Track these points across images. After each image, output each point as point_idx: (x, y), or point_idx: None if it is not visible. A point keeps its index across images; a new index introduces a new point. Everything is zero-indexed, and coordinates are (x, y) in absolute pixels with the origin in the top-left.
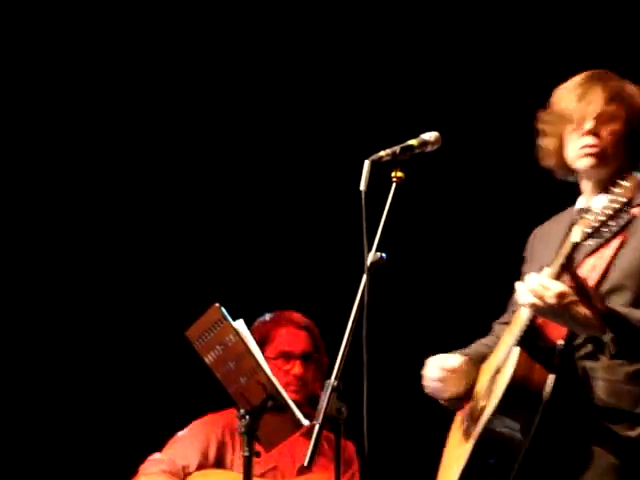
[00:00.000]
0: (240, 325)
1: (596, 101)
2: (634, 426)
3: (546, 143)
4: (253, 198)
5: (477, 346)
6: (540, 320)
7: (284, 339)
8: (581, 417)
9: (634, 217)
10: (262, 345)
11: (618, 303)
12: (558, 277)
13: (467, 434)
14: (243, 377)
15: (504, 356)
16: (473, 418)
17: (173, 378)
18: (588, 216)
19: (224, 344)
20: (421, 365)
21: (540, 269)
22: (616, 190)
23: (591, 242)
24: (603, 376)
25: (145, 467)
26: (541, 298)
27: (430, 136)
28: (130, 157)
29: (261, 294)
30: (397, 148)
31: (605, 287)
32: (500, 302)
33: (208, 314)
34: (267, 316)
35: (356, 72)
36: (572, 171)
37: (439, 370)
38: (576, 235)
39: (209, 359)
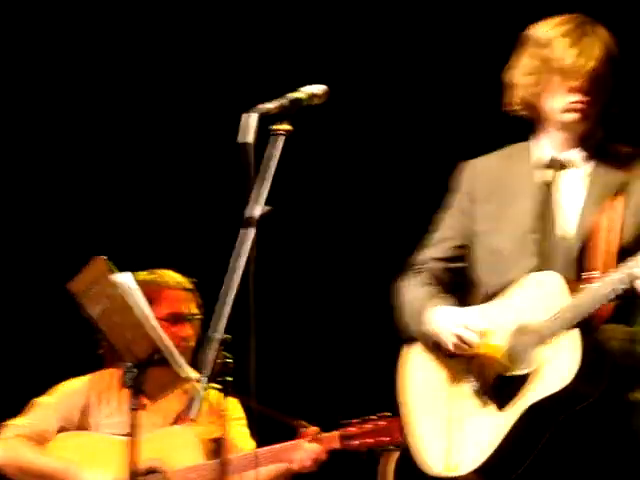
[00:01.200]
0: (127, 278)
1: (594, 58)
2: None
3: (525, 83)
4: (138, 151)
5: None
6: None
7: (172, 301)
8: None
9: (632, 177)
10: (149, 305)
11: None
12: None
13: (485, 397)
14: (129, 331)
15: (548, 330)
16: (486, 379)
17: (50, 335)
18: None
19: (110, 297)
20: (308, 318)
21: (503, 204)
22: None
23: (599, 198)
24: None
25: (2, 432)
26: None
27: (318, 89)
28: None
29: (146, 248)
30: (285, 100)
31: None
32: (384, 248)
33: (93, 266)
34: (151, 275)
35: (237, 29)
36: (538, 112)
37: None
38: None
39: (94, 312)
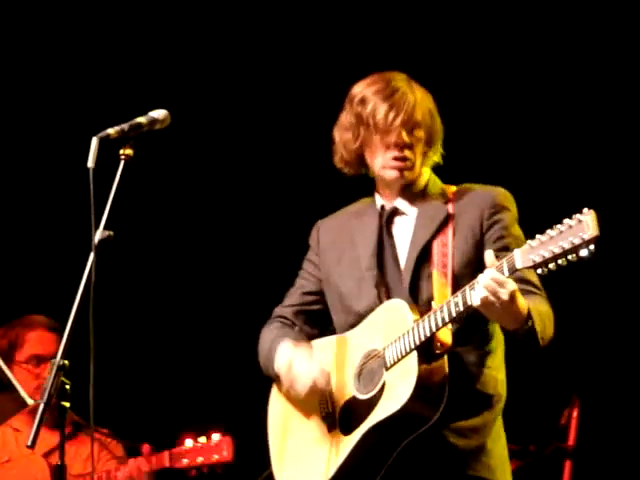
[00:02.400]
0: None
1: (405, 113)
2: (489, 407)
3: (347, 142)
4: None
5: (297, 336)
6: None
7: (34, 343)
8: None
9: (450, 212)
10: (12, 349)
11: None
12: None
13: (334, 423)
14: None
15: (392, 354)
16: (335, 405)
17: None
18: (532, 242)
19: None
20: (149, 344)
21: (343, 251)
22: (572, 222)
23: (427, 230)
24: (465, 362)
25: None
26: (496, 294)
27: (159, 114)
28: None
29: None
30: (125, 125)
31: (454, 273)
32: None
33: None
34: (16, 321)
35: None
36: (365, 167)
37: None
38: (518, 258)
39: None
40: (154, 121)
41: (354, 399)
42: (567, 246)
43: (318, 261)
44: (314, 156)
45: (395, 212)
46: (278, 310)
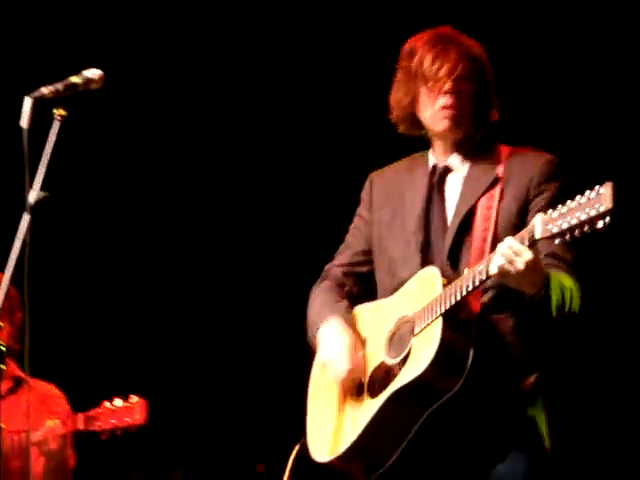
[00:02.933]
0: None
1: (451, 61)
2: (528, 374)
3: (400, 98)
4: None
5: (344, 305)
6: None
7: None
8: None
9: (500, 174)
10: None
11: None
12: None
13: (363, 388)
14: None
15: (419, 318)
16: (366, 370)
17: None
18: (552, 213)
19: None
20: (90, 301)
21: (395, 210)
22: (591, 195)
23: (474, 193)
24: (501, 329)
25: None
26: (512, 263)
27: (93, 74)
28: None
29: None
30: (60, 85)
31: (495, 238)
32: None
33: None
34: None
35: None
36: (421, 127)
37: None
38: (538, 225)
39: None
40: (89, 81)
41: (383, 364)
42: (584, 217)
43: (370, 218)
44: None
45: (447, 170)
46: (329, 268)
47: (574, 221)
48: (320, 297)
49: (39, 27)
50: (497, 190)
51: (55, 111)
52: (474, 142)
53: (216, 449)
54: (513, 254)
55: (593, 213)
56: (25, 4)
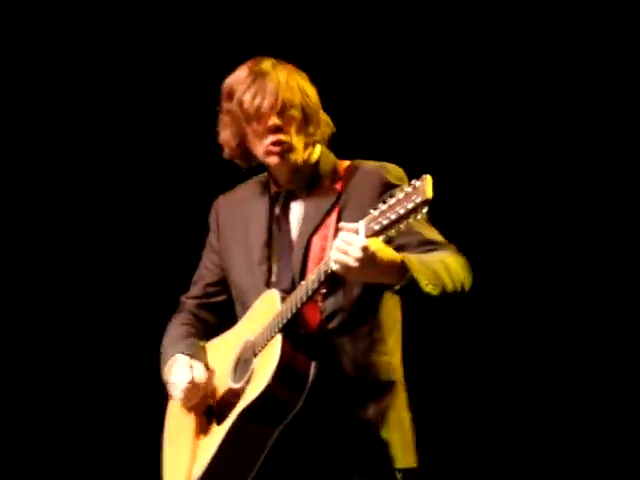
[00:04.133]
0: None
1: (271, 94)
2: (381, 395)
3: (228, 139)
4: None
5: (191, 341)
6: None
7: None
8: (337, 393)
9: (340, 192)
10: None
11: None
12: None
13: (213, 414)
14: None
15: (260, 340)
16: (214, 397)
17: None
18: (374, 212)
19: None
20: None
21: (239, 239)
22: (408, 189)
23: (314, 219)
24: (349, 350)
25: None
26: (347, 252)
27: None
28: None
29: None
30: None
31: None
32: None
33: None
34: None
35: None
36: (256, 158)
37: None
38: (362, 230)
39: None
40: None
41: (230, 389)
42: (402, 212)
43: (218, 247)
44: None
45: (290, 196)
46: (184, 300)
47: (394, 216)
48: (169, 335)
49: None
50: (337, 209)
51: None
52: (309, 165)
53: None
54: (346, 244)
55: (411, 206)
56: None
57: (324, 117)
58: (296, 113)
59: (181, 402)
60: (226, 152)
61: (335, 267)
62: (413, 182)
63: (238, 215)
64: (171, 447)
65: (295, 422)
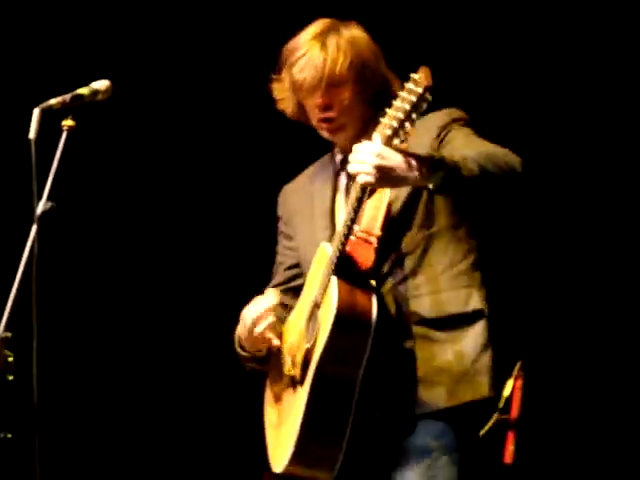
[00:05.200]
0: None
1: (318, 70)
2: (470, 324)
3: (285, 106)
4: None
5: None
6: (348, 249)
7: None
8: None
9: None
10: None
11: None
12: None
13: (296, 382)
14: None
15: (320, 291)
16: (296, 364)
17: None
18: (384, 120)
19: None
20: (92, 316)
21: (307, 214)
22: (409, 85)
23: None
24: (427, 290)
25: None
26: (362, 162)
27: (101, 85)
28: None
29: None
30: (67, 96)
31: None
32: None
33: None
34: None
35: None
36: None
37: (258, 310)
38: (377, 139)
39: None
40: (96, 92)
41: (306, 351)
42: (408, 107)
43: (288, 231)
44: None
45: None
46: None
47: (401, 114)
48: None
49: (49, 39)
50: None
51: (63, 122)
52: (374, 127)
53: (222, 457)
54: (361, 154)
55: (414, 98)
56: (33, 18)
57: (388, 80)
58: (346, 89)
59: (247, 335)
60: (288, 115)
61: (359, 180)
62: (411, 75)
63: (304, 195)
64: (269, 418)
65: (369, 364)
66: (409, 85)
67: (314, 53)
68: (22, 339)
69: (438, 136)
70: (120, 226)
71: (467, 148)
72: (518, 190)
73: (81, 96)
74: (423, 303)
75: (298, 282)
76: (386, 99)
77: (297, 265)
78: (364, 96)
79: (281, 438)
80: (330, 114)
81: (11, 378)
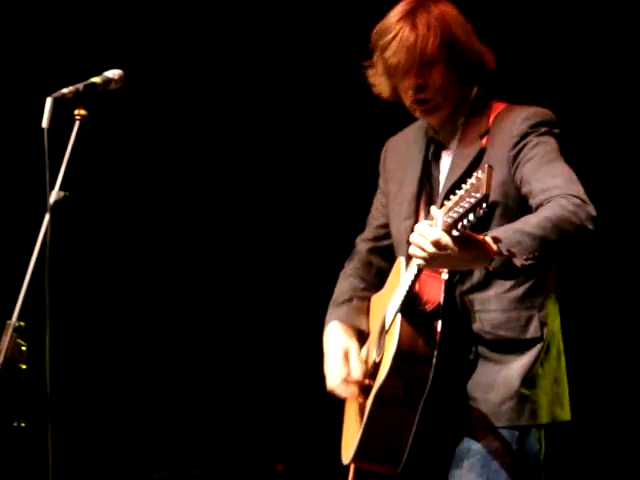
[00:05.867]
0: None
1: (409, 51)
2: (524, 351)
3: (380, 92)
4: None
5: (353, 306)
6: (417, 287)
7: None
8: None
9: (484, 147)
10: None
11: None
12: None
13: (367, 388)
14: None
15: (389, 315)
16: (367, 372)
17: None
18: (448, 203)
19: None
20: (104, 305)
21: (398, 186)
22: (472, 181)
23: (457, 175)
24: (493, 306)
25: None
26: (421, 247)
27: (114, 74)
28: None
29: None
30: (80, 85)
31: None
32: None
33: None
34: None
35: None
36: None
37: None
38: (439, 221)
39: None
40: (109, 81)
41: (374, 363)
42: (467, 206)
43: (385, 190)
44: None
45: (441, 146)
46: (358, 242)
47: (461, 210)
48: (337, 288)
49: (60, 29)
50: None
51: (76, 111)
52: (466, 105)
53: (235, 448)
54: (421, 237)
55: (473, 201)
56: (45, 6)
57: (481, 56)
58: (439, 69)
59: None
60: (383, 99)
61: (414, 261)
62: (475, 174)
63: (401, 161)
64: (347, 411)
65: (430, 395)
66: (472, 181)
67: (404, 34)
68: (35, 329)
69: (514, 147)
70: (133, 215)
71: (537, 182)
72: (586, 244)
73: (94, 85)
74: (487, 319)
75: (386, 242)
76: (480, 75)
77: (386, 225)
78: (457, 74)
79: (351, 435)
80: (424, 95)
81: (24, 367)
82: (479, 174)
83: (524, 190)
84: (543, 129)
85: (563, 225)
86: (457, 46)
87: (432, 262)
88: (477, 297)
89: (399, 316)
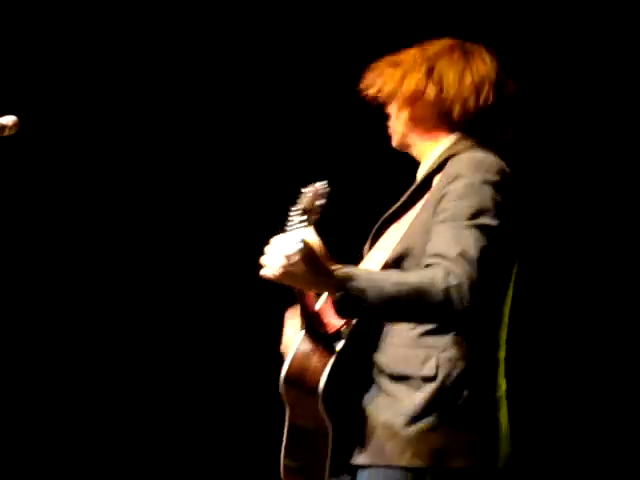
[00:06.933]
0: None
1: (372, 81)
2: (417, 389)
3: None
4: None
5: None
6: (318, 307)
7: None
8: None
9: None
10: None
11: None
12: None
13: None
14: None
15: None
16: None
17: None
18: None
19: None
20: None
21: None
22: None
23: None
24: (392, 341)
25: None
26: (271, 261)
27: (7, 120)
28: None
29: None
30: None
31: (393, 254)
32: None
33: None
34: None
35: None
36: None
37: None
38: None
39: None
40: (2, 128)
41: None
42: (297, 219)
43: None
44: None
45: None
46: None
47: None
48: None
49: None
50: (414, 208)
51: None
52: (425, 154)
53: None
54: (273, 248)
55: (297, 217)
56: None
57: (459, 105)
58: (395, 108)
59: None
60: None
61: (261, 272)
62: (303, 190)
63: None
64: None
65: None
66: (305, 190)
67: (384, 67)
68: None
69: (438, 203)
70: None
71: (434, 248)
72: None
73: None
74: (387, 352)
75: None
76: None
77: None
78: (413, 116)
79: None
80: (390, 123)
81: None
82: (304, 189)
83: (409, 243)
84: (457, 191)
85: (425, 297)
86: (400, 86)
87: (280, 278)
88: (385, 328)
89: (301, 333)
